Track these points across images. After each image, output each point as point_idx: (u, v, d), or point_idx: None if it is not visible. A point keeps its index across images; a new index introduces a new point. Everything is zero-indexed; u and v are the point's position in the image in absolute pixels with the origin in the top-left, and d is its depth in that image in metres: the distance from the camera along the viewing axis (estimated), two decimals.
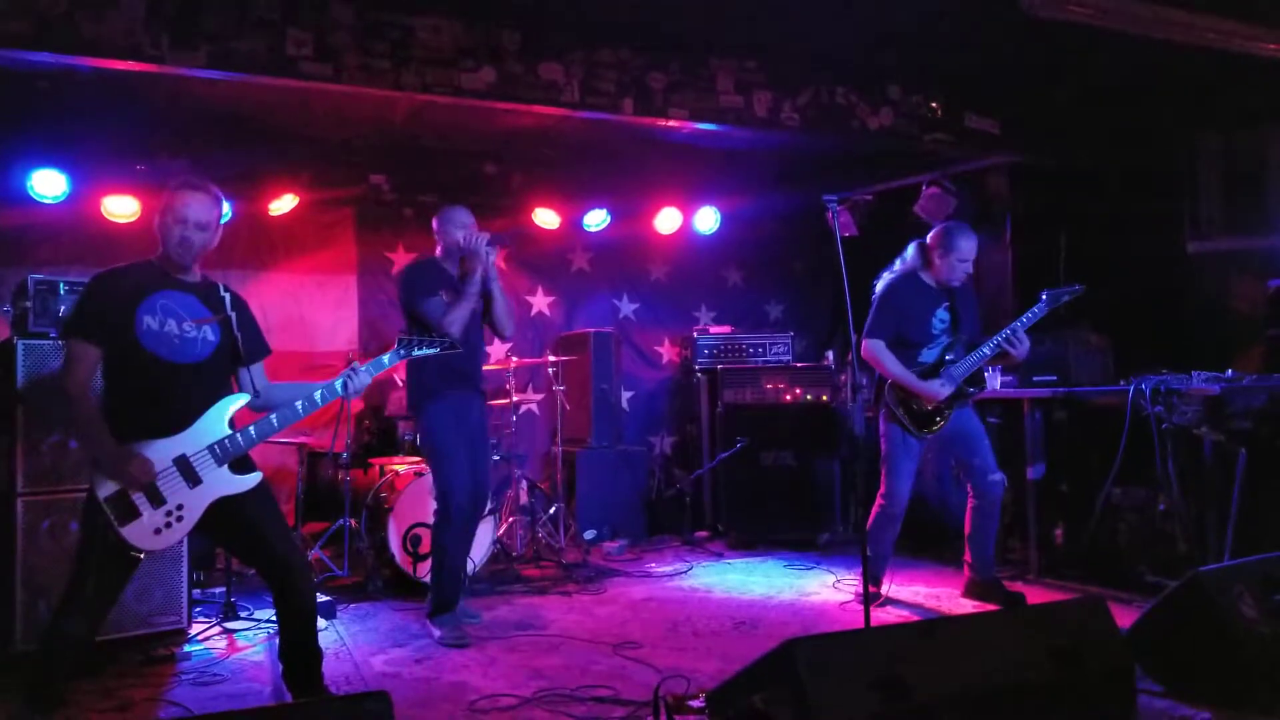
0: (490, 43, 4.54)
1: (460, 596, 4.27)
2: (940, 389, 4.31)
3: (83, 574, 2.89)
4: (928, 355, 4.42)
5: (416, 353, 3.29)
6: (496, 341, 6.62)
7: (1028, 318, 4.35)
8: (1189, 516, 4.22)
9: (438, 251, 4.32)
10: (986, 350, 4.33)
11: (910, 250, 4.56)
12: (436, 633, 4.09)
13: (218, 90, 4.48)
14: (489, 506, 5.06)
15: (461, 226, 4.21)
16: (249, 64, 4.07)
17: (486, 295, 4.21)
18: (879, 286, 4.49)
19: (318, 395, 3.09)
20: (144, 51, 3.89)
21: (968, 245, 4.39)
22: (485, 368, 4.94)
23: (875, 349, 4.34)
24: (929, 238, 4.50)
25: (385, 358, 3.26)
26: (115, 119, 5.04)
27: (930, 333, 4.42)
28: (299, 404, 3.06)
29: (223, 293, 3.12)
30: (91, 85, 4.38)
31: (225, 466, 2.95)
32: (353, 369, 3.16)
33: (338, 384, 3.12)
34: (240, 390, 3.12)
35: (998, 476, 4.47)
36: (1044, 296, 4.40)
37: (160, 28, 3.92)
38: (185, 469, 2.89)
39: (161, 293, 2.98)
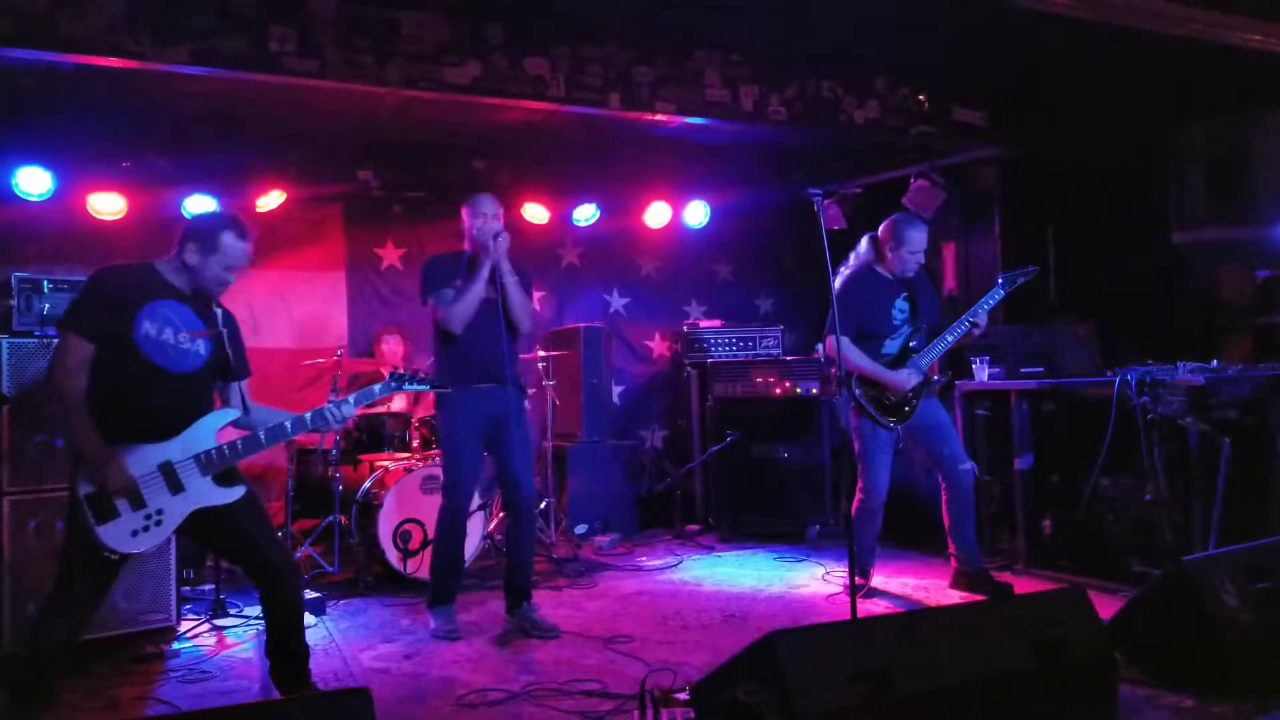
0: (474, 37, 4.52)
1: (458, 591, 4.27)
2: (907, 378, 4.37)
3: (68, 574, 2.91)
4: (891, 346, 4.47)
5: (407, 387, 3.32)
6: None
7: (988, 302, 4.42)
8: (1175, 506, 4.24)
9: (466, 244, 4.18)
10: (950, 337, 4.41)
11: (863, 244, 4.62)
12: (432, 623, 4.12)
13: (202, 87, 4.46)
14: (478, 501, 5.06)
15: (479, 215, 4.07)
16: (231, 60, 4.05)
17: (503, 289, 4.02)
18: (836, 283, 4.49)
19: (308, 417, 3.10)
20: (125, 48, 3.88)
21: (918, 237, 4.45)
22: None
23: (838, 344, 4.36)
24: (880, 231, 4.55)
25: (376, 388, 3.28)
26: (100, 116, 5.01)
27: (891, 324, 4.48)
28: (287, 423, 3.09)
29: (215, 307, 3.14)
30: (75, 83, 4.37)
31: (209, 478, 2.95)
32: (343, 400, 3.18)
33: (325, 412, 3.12)
34: (228, 405, 3.15)
35: (968, 465, 4.50)
36: (1000, 280, 4.49)
37: (141, 24, 3.90)
38: (169, 475, 2.89)
39: (162, 300, 3.00)
